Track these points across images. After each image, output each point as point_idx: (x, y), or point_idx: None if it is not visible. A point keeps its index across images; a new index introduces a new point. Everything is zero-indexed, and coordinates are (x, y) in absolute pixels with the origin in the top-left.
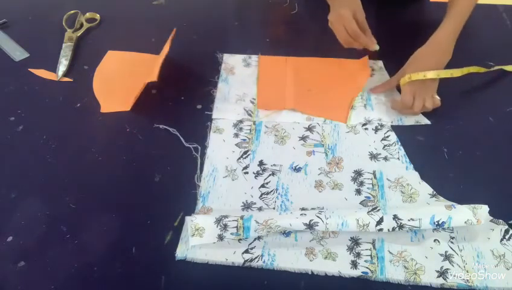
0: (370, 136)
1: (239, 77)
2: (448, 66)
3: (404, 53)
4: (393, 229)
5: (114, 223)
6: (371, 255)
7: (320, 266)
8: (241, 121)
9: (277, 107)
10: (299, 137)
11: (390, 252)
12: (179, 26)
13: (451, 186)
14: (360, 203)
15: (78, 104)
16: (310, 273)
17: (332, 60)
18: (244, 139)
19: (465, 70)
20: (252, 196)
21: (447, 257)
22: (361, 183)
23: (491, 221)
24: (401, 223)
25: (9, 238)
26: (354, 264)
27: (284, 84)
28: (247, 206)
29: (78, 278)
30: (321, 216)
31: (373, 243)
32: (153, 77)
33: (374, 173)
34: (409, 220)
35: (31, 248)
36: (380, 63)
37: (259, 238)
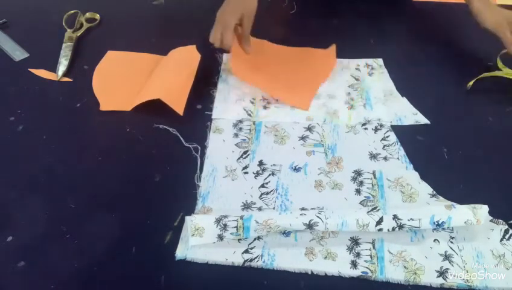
0: (370, 136)
1: None
2: (450, 65)
3: (403, 51)
4: (393, 229)
5: (114, 223)
6: (370, 255)
7: (320, 266)
8: (240, 121)
9: (250, 80)
10: (299, 137)
11: (390, 252)
12: (178, 26)
13: (451, 186)
14: (359, 203)
15: (78, 104)
16: (309, 273)
17: (301, 48)
18: (244, 139)
19: None
20: (251, 196)
21: (446, 257)
22: (361, 183)
23: (491, 221)
24: (400, 223)
25: (9, 238)
26: (354, 264)
27: (258, 64)
28: (247, 206)
29: (78, 278)
30: (321, 216)
31: (373, 243)
32: (179, 110)
33: (373, 173)
34: (408, 220)
35: (31, 248)
36: (380, 61)
37: (259, 238)
